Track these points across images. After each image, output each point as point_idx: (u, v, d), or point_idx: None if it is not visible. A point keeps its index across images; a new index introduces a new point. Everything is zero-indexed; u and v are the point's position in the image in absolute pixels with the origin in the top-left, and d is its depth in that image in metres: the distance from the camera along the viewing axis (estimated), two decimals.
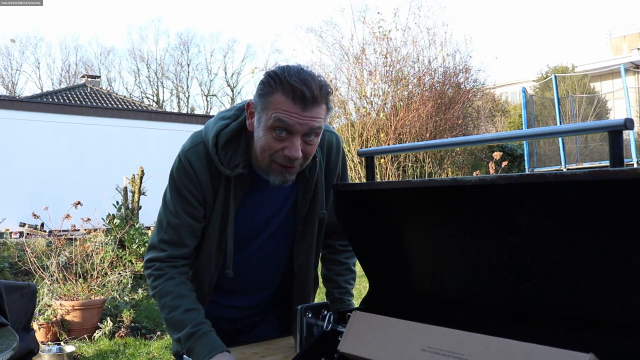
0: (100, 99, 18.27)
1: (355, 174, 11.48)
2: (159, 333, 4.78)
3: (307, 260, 1.54)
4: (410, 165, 11.96)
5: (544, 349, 0.87)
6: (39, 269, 5.18)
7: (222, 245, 1.46)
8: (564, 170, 1.06)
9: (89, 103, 16.92)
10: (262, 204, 1.46)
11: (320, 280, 1.69)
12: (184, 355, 1.35)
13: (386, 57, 12.26)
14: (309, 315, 1.26)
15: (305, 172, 1.43)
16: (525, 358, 0.87)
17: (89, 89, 19.36)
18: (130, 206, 7.10)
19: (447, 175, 12.65)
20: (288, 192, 1.47)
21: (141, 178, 7.32)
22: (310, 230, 1.51)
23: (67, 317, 4.64)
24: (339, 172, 1.55)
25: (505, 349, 0.90)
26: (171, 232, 1.42)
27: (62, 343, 4.41)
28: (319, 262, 1.66)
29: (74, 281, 4.99)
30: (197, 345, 1.32)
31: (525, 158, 12.52)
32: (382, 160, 11.55)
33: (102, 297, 5.01)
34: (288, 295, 1.60)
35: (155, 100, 30.36)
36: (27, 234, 9.12)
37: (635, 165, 10.66)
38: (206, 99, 31.76)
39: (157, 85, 31.06)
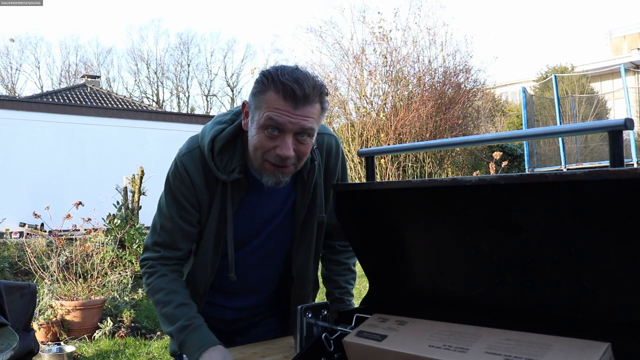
0: (100, 99, 18.26)
1: (355, 174, 11.48)
2: (159, 333, 4.78)
3: (306, 264, 1.54)
4: (410, 165, 11.96)
5: (561, 339, 0.88)
6: (39, 269, 5.18)
7: (218, 249, 1.45)
8: (564, 170, 1.06)
9: (89, 103, 16.91)
10: (259, 207, 1.45)
11: (321, 280, 1.69)
12: (184, 355, 1.35)
13: (386, 57, 12.26)
14: (309, 315, 1.26)
15: (304, 175, 1.42)
16: (544, 347, 0.88)
17: (89, 89, 19.34)
18: (130, 206, 7.10)
19: (447, 175, 12.64)
20: (286, 196, 1.46)
21: (141, 178, 7.32)
22: (309, 234, 1.50)
23: (67, 317, 4.64)
24: (338, 175, 1.55)
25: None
26: (164, 236, 1.43)
27: (62, 343, 4.42)
28: (319, 264, 1.66)
29: (74, 281, 4.99)
30: (189, 339, 1.32)
31: (525, 158, 12.51)
32: (382, 160, 11.55)
33: (102, 297, 5.01)
34: (286, 298, 1.60)
35: (155, 100, 30.35)
36: (27, 234, 9.11)
37: (635, 165, 10.66)
38: (206, 99, 31.78)
39: (157, 85, 31.07)
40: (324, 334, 1.19)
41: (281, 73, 1.25)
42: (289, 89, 1.23)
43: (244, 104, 1.35)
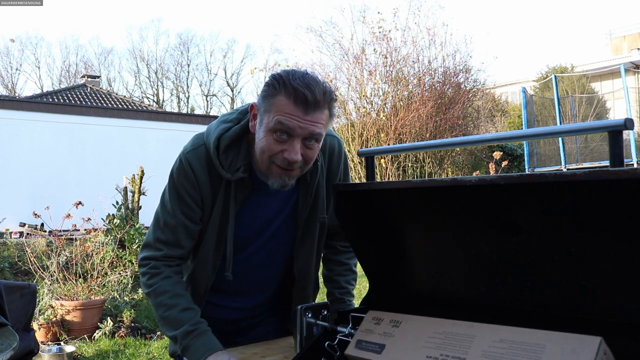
0: (100, 99, 18.26)
1: (355, 174, 11.49)
2: (158, 333, 4.78)
3: (307, 264, 1.54)
4: (410, 165, 11.97)
5: (554, 334, 0.89)
6: (39, 269, 5.18)
7: (220, 248, 1.45)
8: (564, 170, 1.06)
9: (89, 103, 16.91)
10: (261, 207, 1.46)
11: (321, 281, 1.69)
12: (184, 358, 1.35)
13: (386, 57, 12.27)
14: (309, 315, 1.26)
15: (307, 176, 1.42)
16: (537, 343, 0.89)
17: (89, 89, 19.33)
18: (130, 206, 7.10)
19: (447, 175, 12.65)
20: (288, 196, 1.47)
21: (141, 178, 7.32)
22: (311, 234, 1.50)
23: (67, 317, 4.64)
24: (340, 176, 1.55)
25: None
26: (168, 232, 1.42)
27: (62, 343, 4.41)
28: (320, 265, 1.66)
29: (74, 281, 4.99)
30: (194, 344, 1.32)
31: (525, 158, 12.52)
32: (382, 160, 11.56)
33: (102, 297, 5.01)
34: (287, 298, 1.60)
35: (155, 100, 30.36)
36: (27, 234, 9.11)
37: (635, 165, 10.66)
38: (206, 99, 31.80)
39: (157, 85, 31.08)
40: (326, 343, 1.19)
41: (292, 77, 1.25)
42: (300, 94, 1.23)
43: (252, 105, 1.35)
